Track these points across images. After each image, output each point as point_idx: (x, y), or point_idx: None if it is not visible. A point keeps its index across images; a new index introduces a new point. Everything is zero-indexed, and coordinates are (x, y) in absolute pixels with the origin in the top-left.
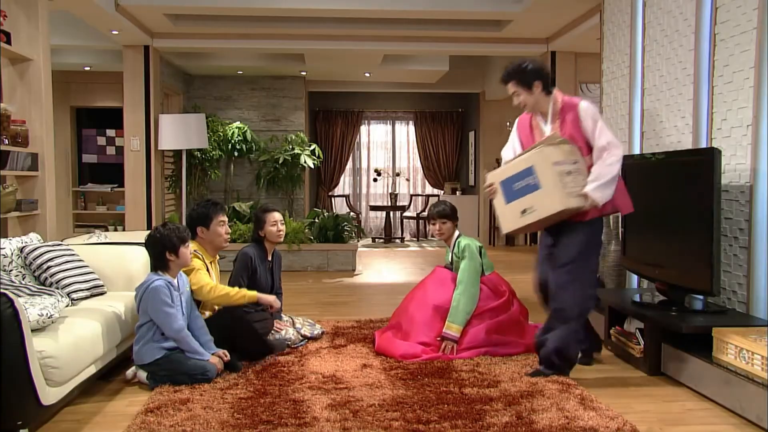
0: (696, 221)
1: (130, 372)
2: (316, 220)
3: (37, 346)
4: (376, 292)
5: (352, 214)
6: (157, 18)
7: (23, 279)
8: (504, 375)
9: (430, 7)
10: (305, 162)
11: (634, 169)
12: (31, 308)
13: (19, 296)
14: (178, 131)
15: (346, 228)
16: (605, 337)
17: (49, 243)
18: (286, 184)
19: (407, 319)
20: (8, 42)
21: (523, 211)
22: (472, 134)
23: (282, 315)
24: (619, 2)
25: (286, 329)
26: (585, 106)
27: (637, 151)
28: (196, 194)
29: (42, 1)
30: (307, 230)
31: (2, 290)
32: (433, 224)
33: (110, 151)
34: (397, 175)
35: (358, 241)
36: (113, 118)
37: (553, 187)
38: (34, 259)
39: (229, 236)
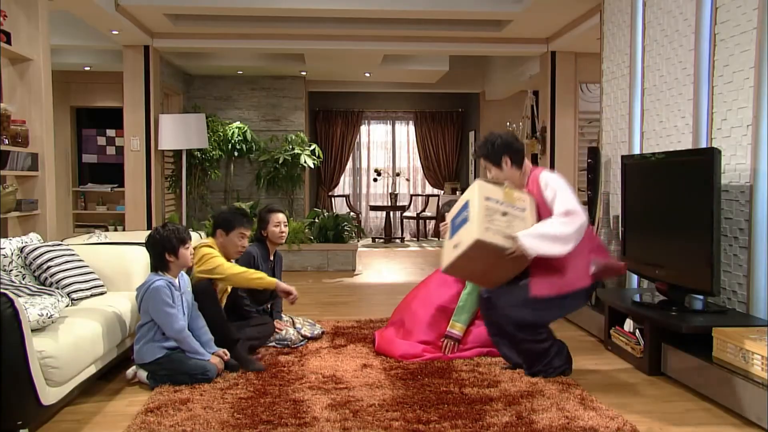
0: (696, 221)
1: (130, 372)
2: (316, 220)
3: (37, 346)
4: (376, 292)
5: (352, 214)
6: (157, 18)
7: (23, 279)
8: (504, 375)
9: (430, 7)
10: (305, 162)
11: (634, 169)
12: (31, 308)
13: (19, 296)
14: (178, 131)
15: (346, 228)
16: (605, 337)
17: (49, 243)
18: (286, 184)
19: (410, 317)
20: (8, 42)
21: (455, 246)
22: (472, 134)
23: (282, 315)
24: (619, 2)
25: (286, 329)
26: (546, 177)
27: (637, 151)
28: (196, 194)
29: (42, 1)
30: (307, 230)
31: (2, 290)
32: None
33: (110, 151)
34: (397, 175)
35: (358, 241)
36: (113, 118)
37: (477, 219)
38: (34, 259)
39: (243, 251)
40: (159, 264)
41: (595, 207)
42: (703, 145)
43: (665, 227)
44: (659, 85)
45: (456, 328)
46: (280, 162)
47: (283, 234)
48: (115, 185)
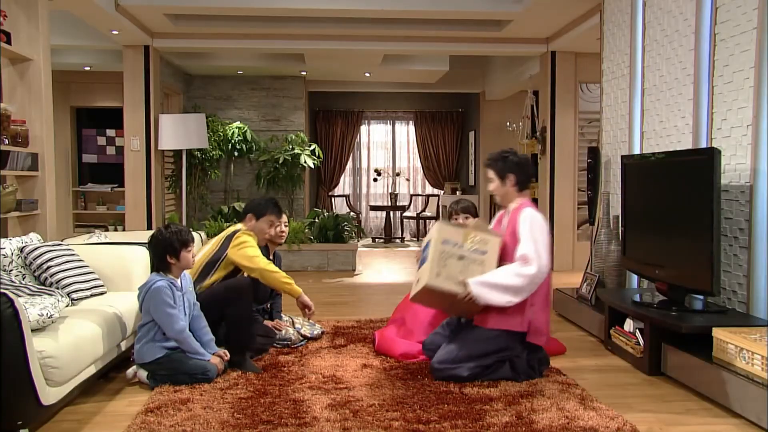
0: (696, 221)
1: (130, 371)
2: (316, 220)
3: (37, 346)
4: (376, 292)
5: (352, 214)
6: (157, 18)
7: (23, 279)
8: None
9: (430, 7)
10: (305, 162)
11: (634, 169)
12: (31, 308)
13: (19, 296)
14: (178, 131)
15: (346, 228)
16: (605, 337)
17: (49, 243)
18: (286, 184)
19: (411, 316)
20: (8, 42)
21: (417, 281)
22: (472, 134)
23: (282, 315)
24: (619, 2)
25: (286, 329)
26: (527, 214)
27: (637, 151)
28: (196, 194)
29: (42, 1)
30: (307, 230)
31: (2, 290)
32: (456, 219)
33: (110, 151)
34: (397, 175)
35: (358, 241)
36: (113, 118)
37: (430, 264)
38: (34, 259)
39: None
40: (160, 265)
41: (595, 207)
42: (703, 145)
43: (665, 227)
44: (659, 85)
45: None
46: (280, 162)
47: (283, 234)
48: (115, 185)
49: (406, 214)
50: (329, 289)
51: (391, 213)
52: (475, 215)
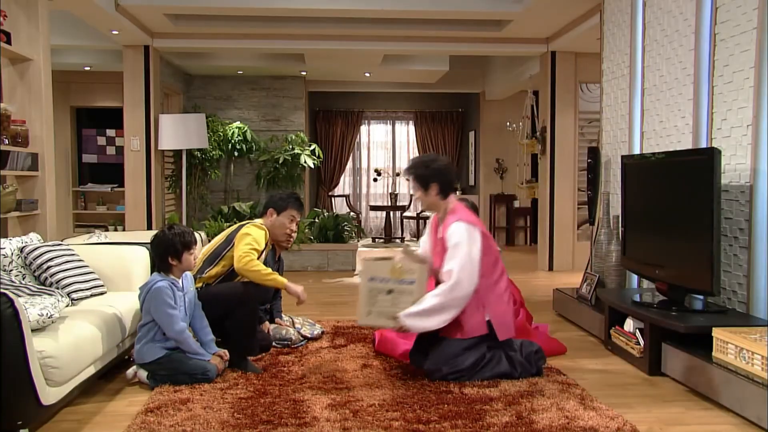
0: (696, 221)
1: (130, 371)
2: (316, 220)
3: (37, 346)
4: None
5: (352, 214)
6: (157, 18)
7: (23, 279)
8: None
9: (430, 7)
10: (305, 162)
11: (634, 169)
12: (31, 308)
13: (19, 296)
14: (178, 131)
15: (346, 228)
16: (605, 337)
17: (49, 243)
18: (286, 184)
19: None
20: (8, 42)
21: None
22: (472, 134)
23: (282, 315)
24: (619, 2)
25: (286, 329)
26: (453, 229)
27: (637, 151)
28: (196, 194)
29: (42, 1)
30: (307, 230)
31: (2, 290)
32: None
33: (110, 151)
34: (397, 175)
35: (358, 240)
36: (113, 118)
37: (360, 302)
38: (34, 259)
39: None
40: (161, 265)
41: (595, 207)
42: (703, 145)
43: (665, 227)
44: (659, 85)
45: None
46: (280, 162)
47: (291, 238)
48: (115, 185)
49: (406, 214)
50: (329, 289)
51: (391, 213)
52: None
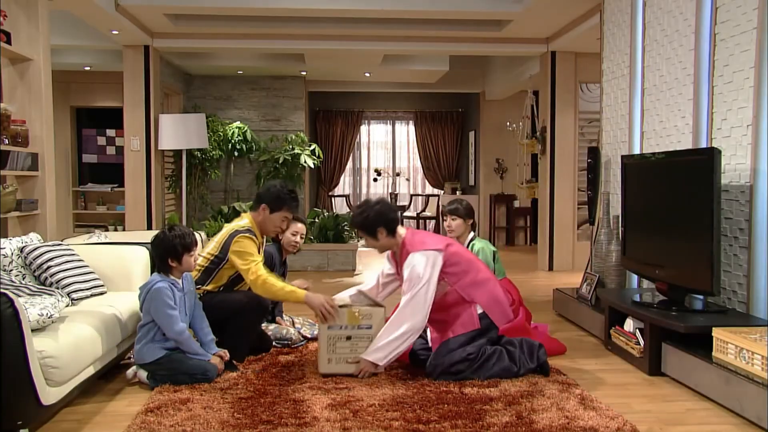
0: (696, 221)
1: (130, 372)
2: (316, 220)
3: (37, 346)
4: None
5: (352, 214)
6: (157, 18)
7: (23, 279)
8: None
9: (430, 7)
10: (305, 162)
11: (634, 169)
12: (31, 308)
13: (19, 296)
14: (178, 131)
15: (346, 228)
16: (605, 337)
17: (49, 243)
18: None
19: None
20: (8, 42)
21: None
22: (472, 134)
23: (282, 315)
24: (619, 2)
25: (286, 329)
26: (408, 263)
27: (637, 151)
28: (196, 194)
29: (42, 1)
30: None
31: (2, 290)
32: (444, 219)
33: (110, 151)
34: (397, 175)
35: (358, 241)
36: (113, 118)
37: (320, 349)
38: (34, 259)
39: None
40: (161, 266)
41: (595, 207)
42: (703, 145)
43: (665, 227)
44: (659, 85)
45: None
46: (280, 162)
47: (296, 244)
48: (115, 185)
49: (406, 214)
50: (329, 290)
51: None
52: (465, 217)
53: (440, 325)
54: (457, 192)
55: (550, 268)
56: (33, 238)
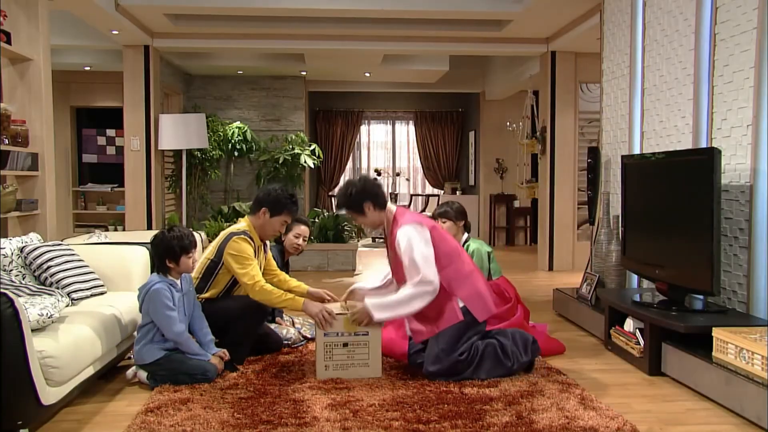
0: (696, 221)
1: (130, 372)
2: (316, 220)
3: (37, 346)
4: None
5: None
6: (157, 18)
7: (23, 279)
8: None
9: (430, 7)
10: (305, 162)
11: (634, 168)
12: (31, 308)
13: (19, 296)
14: (178, 131)
15: (346, 228)
16: (605, 337)
17: (49, 243)
18: (286, 184)
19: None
20: (8, 42)
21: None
22: (472, 134)
23: (283, 315)
24: (619, 2)
25: (287, 329)
26: (399, 236)
27: (637, 151)
28: (196, 194)
29: (42, 1)
30: None
31: (2, 290)
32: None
33: (110, 151)
34: (397, 175)
35: (358, 240)
36: (113, 118)
37: (318, 355)
38: (34, 259)
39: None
40: (160, 266)
41: (595, 207)
42: (703, 145)
43: (665, 227)
44: (659, 85)
45: None
46: (280, 162)
47: (299, 247)
48: (115, 185)
49: None
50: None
51: None
52: (455, 219)
53: (421, 317)
54: (457, 192)
55: (550, 268)
56: (33, 238)
